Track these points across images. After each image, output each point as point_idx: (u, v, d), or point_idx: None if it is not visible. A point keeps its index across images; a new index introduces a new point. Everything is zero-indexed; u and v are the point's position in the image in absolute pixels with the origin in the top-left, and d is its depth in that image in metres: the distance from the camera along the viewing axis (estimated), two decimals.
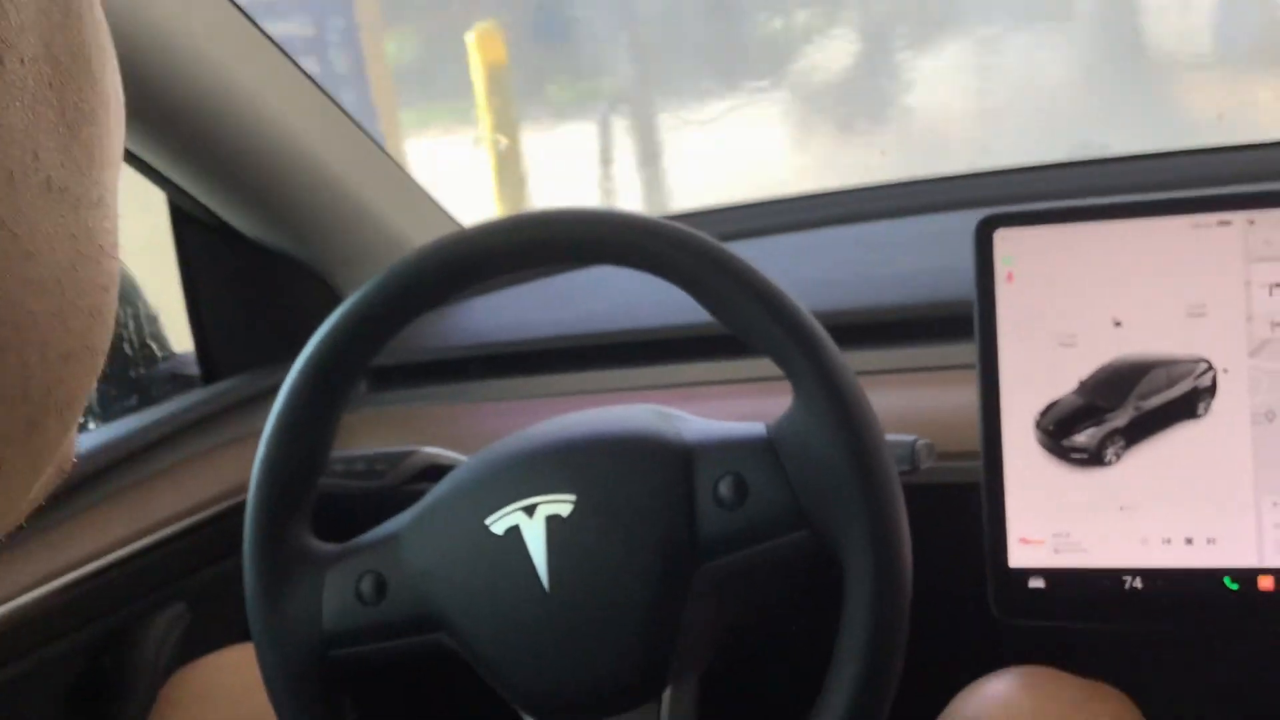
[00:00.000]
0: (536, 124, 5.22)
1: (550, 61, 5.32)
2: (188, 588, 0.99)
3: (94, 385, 0.28)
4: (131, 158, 0.98)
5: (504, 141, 3.57)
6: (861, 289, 1.00)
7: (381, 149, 1.14)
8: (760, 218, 1.25)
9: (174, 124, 0.95)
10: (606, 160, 4.43)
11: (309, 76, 1.06)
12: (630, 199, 4.42)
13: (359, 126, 1.12)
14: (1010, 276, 0.83)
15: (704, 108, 5.38)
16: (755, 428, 0.74)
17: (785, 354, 0.71)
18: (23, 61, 0.24)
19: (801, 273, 1.07)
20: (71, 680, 0.91)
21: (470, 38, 3.84)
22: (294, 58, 1.04)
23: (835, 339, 0.72)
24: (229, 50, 0.96)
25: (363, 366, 0.81)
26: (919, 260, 1.03)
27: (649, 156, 4.53)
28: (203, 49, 0.93)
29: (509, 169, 3.84)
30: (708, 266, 0.72)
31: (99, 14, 0.27)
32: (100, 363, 0.28)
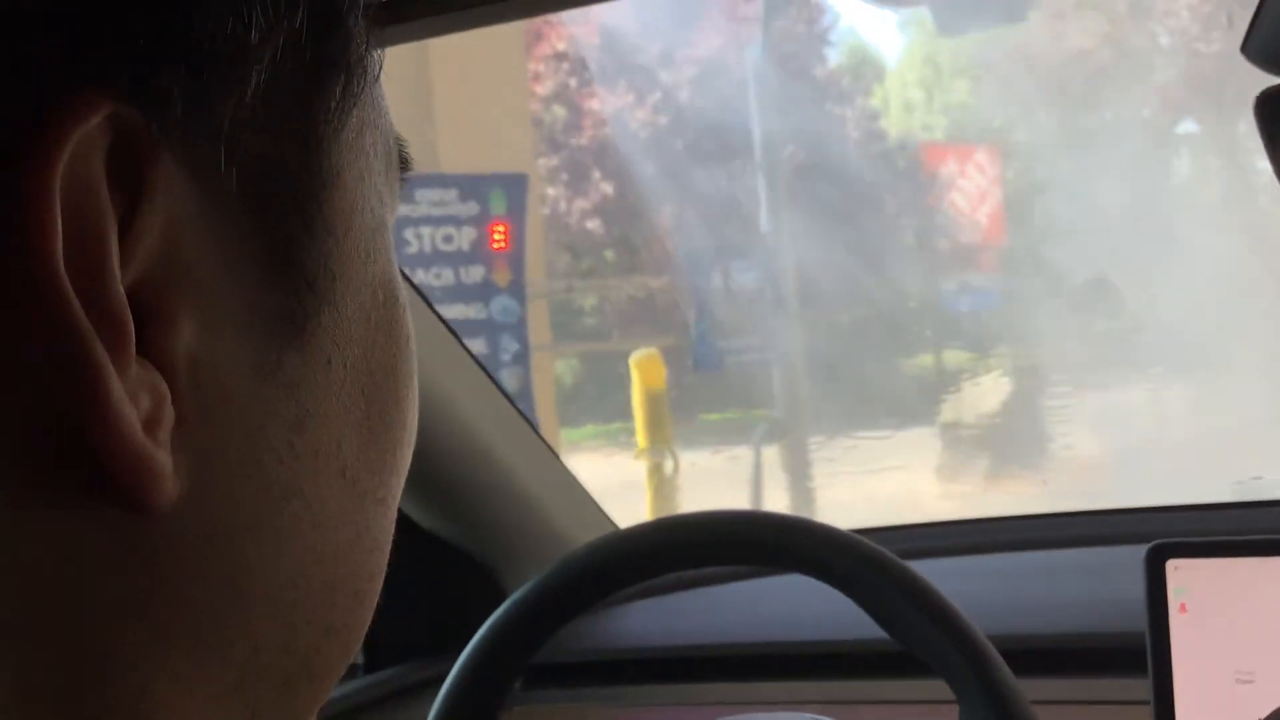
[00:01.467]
0: (690, 444, 5.35)
1: (706, 388, 5.49)
2: None
3: (343, 669, 0.31)
4: None
5: (671, 459, 3.67)
6: (1030, 615, 0.99)
7: (553, 453, 1.19)
8: (921, 540, 1.25)
9: None
10: (757, 483, 4.50)
11: (495, 382, 1.13)
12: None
13: (535, 430, 1.18)
14: (1184, 608, 0.82)
15: (854, 441, 5.44)
16: None
17: (955, 670, 0.71)
18: (345, 366, 0.29)
19: (967, 596, 1.07)
20: None
21: (633, 360, 4.02)
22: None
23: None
24: (425, 354, 1.04)
25: (522, 665, 0.83)
26: (1089, 590, 1.02)
27: (799, 482, 4.58)
28: None
29: (664, 485, 3.93)
30: (879, 577, 0.74)
31: (412, 350, 0.32)
32: (355, 647, 0.31)
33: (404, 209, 3.64)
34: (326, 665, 0.30)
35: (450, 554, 1.16)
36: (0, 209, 0.23)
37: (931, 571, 1.16)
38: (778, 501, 4.50)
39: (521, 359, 3.59)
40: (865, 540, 0.75)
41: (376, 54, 0.31)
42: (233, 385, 0.26)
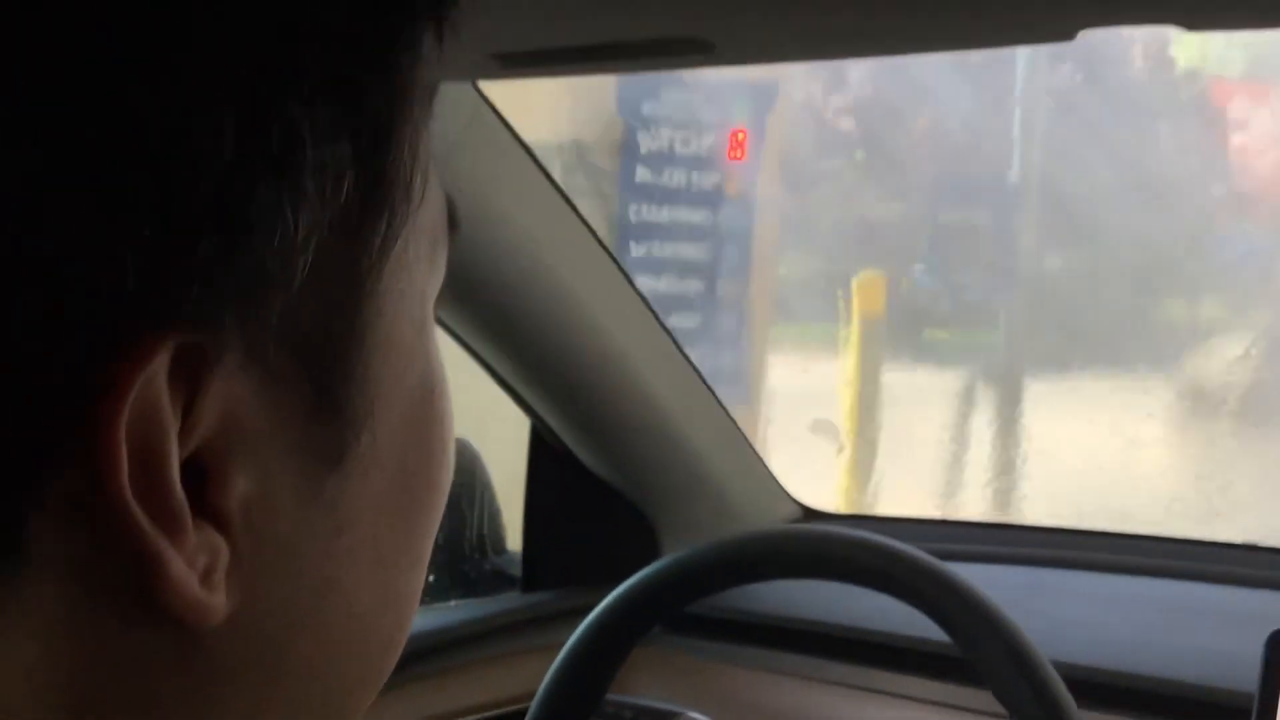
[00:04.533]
0: (919, 358, 5.24)
1: (933, 309, 5.38)
2: None
3: (379, 687, 0.35)
4: (505, 385, 1.12)
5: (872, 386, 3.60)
6: (1149, 655, 1.00)
7: (729, 418, 1.24)
8: (1082, 549, 1.25)
9: (543, 366, 1.09)
10: (962, 428, 4.40)
11: (670, 336, 1.17)
12: (978, 476, 4.32)
13: (712, 393, 1.22)
14: None
15: (1078, 385, 5.20)
16: None
17: None
18: (382, 471, 0.32)
19: (1101, 620, 1.08)
20: None
21: (854, 283, 3.98)
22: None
23: (1103, 697, 0.73)
24: (610, 316, 1.09)
25: (661, 620, 0.89)
26: (1215, 637, 1.02)
27: (1007, 428, 4.44)
28: (590, 311, 1.07)
29: (866, 417, 3.91)
30: (991, 641, 0.76)
31: (447, 426, 0.34)
32: (387, 674, 0.35)
33: (647, 107, 3.67)
34: (359, 700, 0.34)
35: (614, 497, 1.23)
36: (71, 433, 0.26)
37: (1080, 584, 1.17)
38: (980, 433, 4.36)
39: (742, 270, 3.61)
40: (980, 594, 0.77)
41: (423, 162, 0.31)
42: (280, 518, 0.29)
